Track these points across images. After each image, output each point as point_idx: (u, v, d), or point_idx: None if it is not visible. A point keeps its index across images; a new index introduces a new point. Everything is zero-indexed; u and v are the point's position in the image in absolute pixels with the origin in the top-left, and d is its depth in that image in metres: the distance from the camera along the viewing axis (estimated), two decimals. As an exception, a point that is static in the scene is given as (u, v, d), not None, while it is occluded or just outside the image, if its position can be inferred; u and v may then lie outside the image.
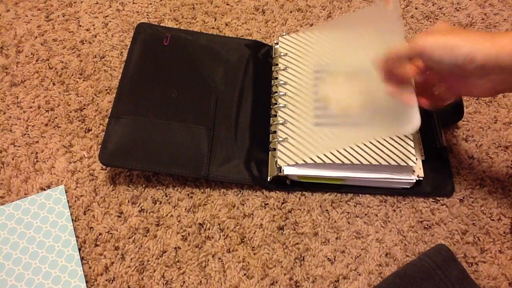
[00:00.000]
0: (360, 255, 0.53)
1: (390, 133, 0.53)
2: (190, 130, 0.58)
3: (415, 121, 0.49)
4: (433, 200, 0.56)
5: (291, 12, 0.73)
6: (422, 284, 0.48)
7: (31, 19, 0.71)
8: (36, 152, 0.59)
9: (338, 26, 0.63)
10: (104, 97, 0.64)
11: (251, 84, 0.63)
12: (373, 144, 0.54)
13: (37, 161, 0.58)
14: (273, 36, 0.70)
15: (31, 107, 0.63)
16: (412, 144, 0.54)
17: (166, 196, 0.56)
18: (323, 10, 0.73)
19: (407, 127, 0.50)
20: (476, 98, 0.64)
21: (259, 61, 0.66)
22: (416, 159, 0.53)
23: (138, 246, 0.53)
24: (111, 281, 0.51)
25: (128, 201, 0.56)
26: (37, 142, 0.60)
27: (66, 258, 0.51)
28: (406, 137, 0.54)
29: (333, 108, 0.57)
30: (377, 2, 0.61)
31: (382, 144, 0.54)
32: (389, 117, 0.54)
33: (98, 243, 0.53)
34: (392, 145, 0.54)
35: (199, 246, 0.53)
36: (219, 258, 0.52)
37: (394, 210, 0.56)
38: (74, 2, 0.73)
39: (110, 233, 0.54)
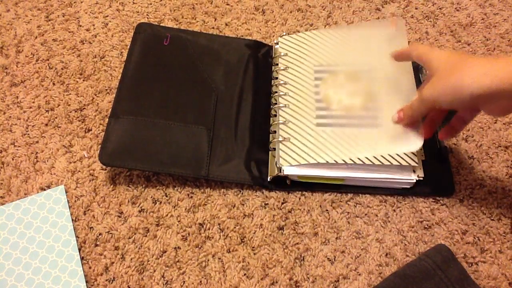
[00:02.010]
0: (360, 255, 0.53)
1: (391, 149, 0.53)
2: (190, 130, 0.58)
3: (418, 141, 0.51)
4: (433, 200, 0.56)
5: (291, 12, 0.73)
6: (422, 284, 0.48)
7: (31, 19, 0.71)
8: (36, 152, 0.59)
9: (338, 37, 0.63)
10: (104, 97, 0.64)
11: (251, 84, 0.63)
12: (375, 143, 0.54)
13: (37, 161, 0.58)
14: (273, 36, 0.70)
15: (31, 107, 0.63)
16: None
17: (166, 196, 0.56)
18: (323, 10, 0.73)
19: (410, 146, 0.52)
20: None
21: (259, 61, 0.66)
22: (417, 159, 0.53)
23: (138, 246, 0.53)
24: (111, 281, 0.51)
25: (128, 201, 0.56)
26: (37, 142, 0.60)
27: (66, 258, 0.51)
28: (408, 136, 0.54)
29: (335, 108, 0.57)
30: (381, 21, 0.62)
31: (384, 143, 0.54)
32: (390, 127, 0.55)
33: (98, 243, 0.53)
34: (394, 144, 0.53)
35: (199, 246, 0.53)
36: (219, 258, 0.52)
37: (394, 210, 0.56)
38: (74, 2, 0.73)
39: (110, 233, 0.54)
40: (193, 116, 0.59)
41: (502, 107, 0.43)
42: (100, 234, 0.53)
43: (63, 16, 0.72)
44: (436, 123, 0.53)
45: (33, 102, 0.63)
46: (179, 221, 0.54)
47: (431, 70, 0.47)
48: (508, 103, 0.43)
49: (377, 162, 0.53)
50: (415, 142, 0.51)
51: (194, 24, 0.71)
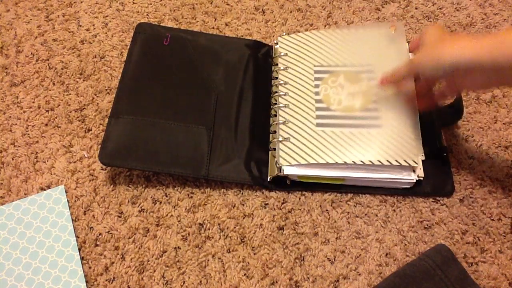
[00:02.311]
0: (360, 255, 0.53)
1: (390, 156, 0.54)
2: (190, 130, 0.58)
3: (417, 150, 0.54)
4: (433, 200, 0.56)
5: (291, 12, 0.73)
6: (422, 284, 0.48)
7: (31, 19, 0.71)
8: (36, 152, 0.59)
9: (338, 37, 0.64)
10: (104, 97, 0.64)
11: (251, 84, 0.63)
12: (375, 144, 0.54)
13: (37, 161, 0.58)
14: (273, 36, 0.70)
15: (31, 107, 0.63)
16: (414, 143, 0.54)
17: (166, 196, 0.56)
18: (323, 10, 0.73)
19: (409, 156, 0.53)
20: (476, 98, 0.64)
21: (259, 61, 0.66)
22: (417, 158, 0.53)
23: (138, 246, 0.53)
24: (111, 281, 0.51)
25: (128, 201, 0.56)
26: (37, 142, 0.60)
27: (66, 258, 0.51)
28: (408, 136, 0.54)
29: (335, 108, 0.57)
30: (381, 24, 0.64)
31: (384, 144, 0.54)
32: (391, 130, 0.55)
33: (98, 243, 0.53)
34: (394, 145, 0.54)
35: (199, 246, 0.53)
36: (219, 258, 0.52)
37: (394, 210, 0.56)
38: (74, 2, 0.73)
39: (110, 233, 0.54)
40: (193, 116, 0.59)
41: (478, 81, 0.47)
42: (100, 234, 0.53)
43: (63, 16, 0.72)
44: (420, 95, 0.56)
45: (33, 102, 0.63)
46: (179, 221, 0.55)
47: (423, 44, 0.50)
48: (483, 77, 0.46)
49: (377, 162, 0.53)
50: (415, 152, 0.53)
51: (194, 24, 0.71)
